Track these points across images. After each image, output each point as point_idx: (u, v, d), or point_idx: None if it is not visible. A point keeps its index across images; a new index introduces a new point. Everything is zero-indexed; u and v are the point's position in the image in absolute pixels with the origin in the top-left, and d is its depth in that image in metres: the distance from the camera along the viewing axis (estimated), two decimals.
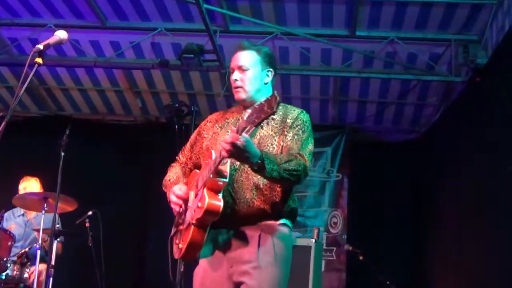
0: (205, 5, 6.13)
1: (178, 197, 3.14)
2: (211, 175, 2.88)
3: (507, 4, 5.88)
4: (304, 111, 3.27)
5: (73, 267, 7.99)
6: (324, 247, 7.96)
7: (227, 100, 8.34)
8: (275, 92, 2.83)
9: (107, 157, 8.64)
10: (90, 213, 6.51)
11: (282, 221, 3.11)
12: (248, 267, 2.97)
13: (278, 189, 3.07)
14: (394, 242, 8.22)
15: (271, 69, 3.28)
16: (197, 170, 3.23)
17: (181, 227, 3.14)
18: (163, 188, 3.37)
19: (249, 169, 2.98)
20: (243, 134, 2.71)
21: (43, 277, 5.97)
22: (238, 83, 3.23)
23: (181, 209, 3.16)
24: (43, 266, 5.99)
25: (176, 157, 3.53)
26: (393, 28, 6.79)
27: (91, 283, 6.65)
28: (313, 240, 5.68)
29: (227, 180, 2.92)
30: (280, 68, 6.60)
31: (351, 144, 8.43)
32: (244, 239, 3.03)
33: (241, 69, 3.23)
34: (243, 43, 3.31)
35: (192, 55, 6.81)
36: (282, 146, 3.10)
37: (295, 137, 3.11)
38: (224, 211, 2.90)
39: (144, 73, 8.01)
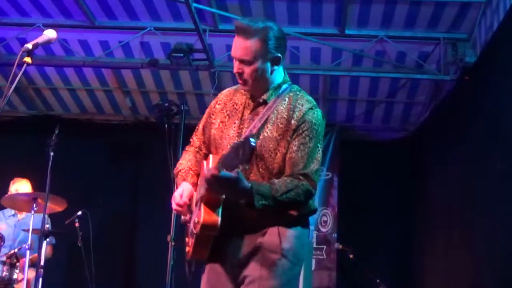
0: (194, 4, 6.11)
1: (179, 205, 2.94)
2: (207, 191, 2.71)
3: (496, 3, 5.91)
4: (314, 108, 2.94)
5: (63, 267, 7.98)
6: (314, 245, 7.98)
7: None
8: (251, 139, 2.44)
9: (96, 157, 8.62)
10: (79, 213, 6.48)
11: (292, 228, 2.91)
12: (249, 279, 2.83)
13: None
14: (384, 240, 8.26)
15: (278, 55, 2.91)
16: (205, 162, 2.97)
17: (188, 224, 3.02)
18: (175, 175, 3.16)
19: (251, 174, 2.83)
20: (228, 172, 2.52)
21: (32, 277, 5.94)
22: (243, 76, 2.91)
23: (187, 218, 3.03)
24: (33, 270, 5.97)
25: (190, 139, 3.27)
26: (382, 26, 6.80)
27: (81, 283, 6.64)
28: None
29: (223, 196, 2.74)
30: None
31: (340, 142, 8.44)
32: (248, 248, 2.88)
33: (243, 62, 2.88)
34: (242, 24, 2.88)
35: (182, 54, 6.79)
36: (285, 155, 2.84)
37: (301, 147, 2.82)
38: (227, 222, 2.76)
39: (134, 73, 7.99)
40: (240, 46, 2.86)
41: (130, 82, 8.24)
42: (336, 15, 6.68)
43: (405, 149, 8.50)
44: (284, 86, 3.03)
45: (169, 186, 5.39)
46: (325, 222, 8.21)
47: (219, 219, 2.74)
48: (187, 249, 3.05)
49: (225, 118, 3.03)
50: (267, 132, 2.87)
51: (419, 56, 7.11)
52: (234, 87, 3.16)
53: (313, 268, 7.77)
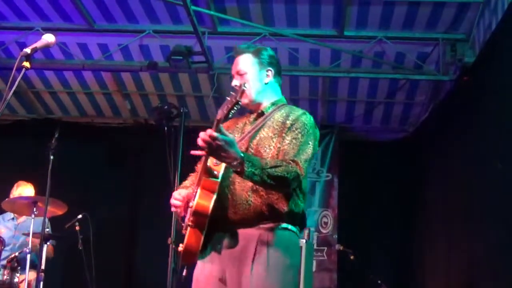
0: (193, 7, 6.12)
1: (176, 199, 3.10)
2: (203, 175, 2.87)
3: (494, 3, 5.91)
4: (307, 113, 3.18)
5: (64, 270, 7.98)
6: (315, 247, 7.98)
7: (216, 101, 8.34)
8: (246, 84, 2.79)
9: (96, 160, 8.62)
10: (79, 216, 6.47)
11: (283, 225, 3.01)
12: (242, 275, 2.91)
13: (274, 191, 2.98)
14: (384, 241, 8.25)
15: (270, 68, 3.26)
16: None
17: (183, 231, 3.08)
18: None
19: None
20: (222, 133, 2.69)
21: (33, 282, 5.95)
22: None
23: (184, 213, 3.10)
24: (33, 273, 5.97)
25: (195, 167, 3.42)
26: (381, 27, 6.81)
27: (81, 286, 6.63)
28: (304, 240, 5.68)
29: (218, 180, 2.88)
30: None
31: (340, 143, 8.45)
32: (240, 243, 2.96)
33: (238, 73, 3.21)
34: (238, 48, 3.30)
35: (181, 57, 6.80)
36: (279, 148, 3.01)
37: (293, 141, 3.01)
38: (220, 213, 2.89)
39: (133, 75, 7.99)
40: (236, 62, 3.25)
41: (130, 85, 8.25)
42: (334, 16, 6.69)
43: (404, 150, 8.50)
44: (280, 103, 3.28)
45: (169, 189, 5.40)
46: (326, 223, 8.21)
47: (211, 204, 2.84)
48: (181, 251, 3.07)
49: None
50: (263, 134, 3.09)
51: (418, 57, 7.11)
52: (237, 117, 3.34)
53: (314, 269, 7.74)
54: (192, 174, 3.41)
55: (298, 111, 3.17)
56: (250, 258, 2.92)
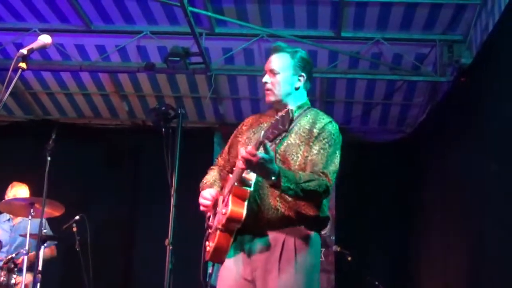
0: (190, 8, 6.12)
1: (206, 199, 3.21)
2: (236, 183, 2.98)
3: (491, 4, 5.92)
4: (333, 122, 3.30)
5: (61, 272, 7.96)
6: None
7: (214, 102, 8.35)
8: (291, 108, 2.76)
9: (93, 161, 8.61)
10: (77, 217, 6.45)
11: (308, 228, 3.14)
12: (269, 276, 3.04)
13: None
14: (382, 242, 8.25)
15: (303, 74, 3.29)
16: (231, 175, 3.25)
17: (210, 230, 3.21)
18: (200, 189, 3.40)
19: None
20: (260, 150, 2.78)
21: (30, 282, 5.95)
22: (268, 86, 3.26)
23: (210, 213, 3.25)
24: (30, 274, 5.97)
25: (215, 160, 3.60)
26: (378, 29, 6.81)
27: (79, 287, 6.62)
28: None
29: (251, 189, 3.00)
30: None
31: None
32: (268, 245, 3.09)
33: (272, 72, 3.26)
34: (278, 45, 3.34)
35: (178, 58, 6.79)
36: (307, 157, 3.12)
37: (321, 151, 3.13)
38: (250, 217, 2.99)
39: (130, 77, 7.98)
40: (271, 59, 3.29)
41: (127, 86, 8.24)
42: (332, 17, 6.69)
43: (402, 151, 8.50)
44: (306, 106, 3.37)
45: (167, 190, 5.40)
46: None
47: (245, 211, 2.96)
48: (207, 250, 3.19)
49: (251, 134, 3.33)
50: (290, 140, 3.15)
51: (415, 58, 7.11)
52: (261, 113, 3.51)
53: None
54: (213, 167, 3.52)
55: (325, 119, 3.27)
56: (277, 260, 3.05)
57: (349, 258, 6.88)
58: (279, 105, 3.24)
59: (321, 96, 8.09)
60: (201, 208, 3.26)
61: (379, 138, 8.78)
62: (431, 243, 7.24)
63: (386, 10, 6.48)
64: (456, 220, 6.38)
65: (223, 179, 3.39)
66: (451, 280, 6.42)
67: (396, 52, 7.05)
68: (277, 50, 3.30)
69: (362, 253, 7.16)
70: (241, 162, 2.83)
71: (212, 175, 3.46)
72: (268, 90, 3.27)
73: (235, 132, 3.52)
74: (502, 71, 5.36)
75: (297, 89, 3.29)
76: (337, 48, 7.07)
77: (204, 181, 3.42)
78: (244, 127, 3.46)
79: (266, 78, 3.26)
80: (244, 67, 7.43)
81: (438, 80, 7.01)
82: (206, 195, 3.22)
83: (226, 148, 3.53)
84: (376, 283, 6.69)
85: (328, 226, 8.14)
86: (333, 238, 8.10)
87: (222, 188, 3.31)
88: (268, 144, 2.77)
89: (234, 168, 3.09)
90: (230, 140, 3.52)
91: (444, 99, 7.17)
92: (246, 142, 3.28)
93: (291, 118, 2.67)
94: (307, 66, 3.31)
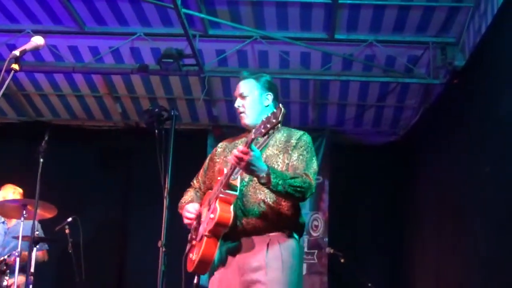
0: (184, 10, 6.11)
1: (190, 212, 3.42)
2: (222, 188, 3.14)
3: (484, 7, 5.95)
4: (306, 133, 3.52)
5: (53, 274, 7.94)
6: (306, 250, 7.98)
7: (207, 104, 8.34)
8: (281, 104, 2.92)
9: (86, 163, 8.60)
10: (69, 219, 6.45)
11: (289, 233, 3.33)
12: (258, 274, 3.17)
13: (283, 203, 3.29)
14: (375, 244, 8.27)
15: (270, 93, 3.53)
16: (210, 190, 3.48)
17: (194, 242, 3.36)
18: (179, 209, 3.61)
19: (257, 183, 3.19)
20: (253, 147, 2.96)
21: (22, 283, 5.92)
22: (241, 109, 3.50)
23: (194, 226, 3.41)
24: (22, 277, 5.95)
25: (191, 183, 3.80)
26: (372, 31, 6.83)
27: None
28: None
29: (237, 193, 3.17)
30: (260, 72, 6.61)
31: (331, 147, 8.44)
32: (253, 247, 3.25)
33: (241, 96, 3.52)
34: (243, 74, 3.62)
35: (171, 60, 6.79)
36: (288, 164, 3.34)
37: (300, 157, 3.35)
38: (234, 223, 3.17)
39: (124, 78, 7.97)
40: (239, 86, 3.56)
41: (120, 88, 8.23)
42: (325, 19, 6.69)
43: (395, 153, 8.52)
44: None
45: (160, 192, 5.38)
46: (316, 226, 8.21)
47: (232, 215, 3.14)
48: (191, 260, 3.33)
49: (227, 154, 3.50)
50: (269, 152, 3.39)
51: (409, 60, 7.13)
52: (234, 137, 3.71)
53: (304, 272, 7.76)
54: (189, 189, 3.76)
55: (299, 132, 3.50)
56: (263, 263, 3.20)
57: (342, 260, 6.90)
58: (253, 126, 3.34)
59: (314, 98, 8.10)
60: (185, 221, 3.46)
61: (372, 140, 8.80)
62: (424, 244, 7.26)
63: (380, 12, 6.49)
64: (449, 221, 6.39)
65: (200, 199, 3.60)
66: (445, 281, 6.43)
67: (389, 54, 7.06)
68: (243, 77, 3.59)
69: (355, 255, 7.17)
70: (232, 159, 3.00)
71: (189, 195, 3.67)
72: (241, 113, 3.50)
73: (210, 155, 3.74)
74: (494, 73, 5.39)
75: (267, 106, 3.50)
76: (330, 50, 7.08)
77: (183, 201, 3.63)
78: (219, 149, 3.67)
79: (238, 103, 3.52)
80: (237, 69, 7.42)
81: (431, 82, 7.03)
82: (190, 209, 3.43)
83: (202, 171, 3.74)
84: (369, 284, 6.71)
85: (321, 228, 8.23)
86: (326, 240, 8.11)
87: (201, 205, 3.48)
88: (262, 139, 2.94)
89: (218, 178, 3.29)
90: (205, 163, 3.73)
91: (437, 101, 7.19)
92: (224, 161, 3.48)
93: (284, 112, 2.80)
94: (272, 87, 3.58)
